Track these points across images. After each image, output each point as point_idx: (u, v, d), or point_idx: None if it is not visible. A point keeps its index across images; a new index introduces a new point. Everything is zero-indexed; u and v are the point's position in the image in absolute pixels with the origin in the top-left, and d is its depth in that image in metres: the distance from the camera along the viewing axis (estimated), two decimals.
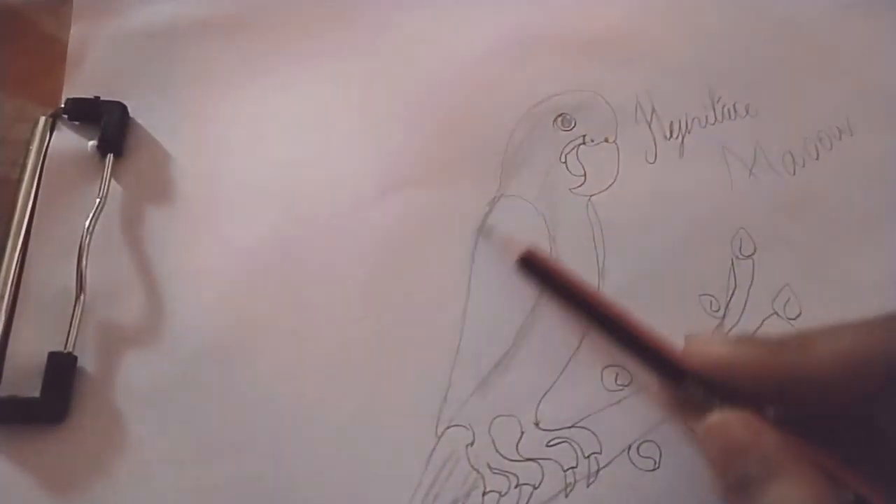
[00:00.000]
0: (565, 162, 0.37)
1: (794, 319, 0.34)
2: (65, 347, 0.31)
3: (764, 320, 0.34)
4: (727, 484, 0.24)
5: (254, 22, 0.39)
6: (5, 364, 0.31)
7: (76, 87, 0.37)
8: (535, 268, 0.32)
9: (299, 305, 0.33)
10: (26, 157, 0.35)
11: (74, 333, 0.31)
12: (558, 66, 0.39)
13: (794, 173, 0.37)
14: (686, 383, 0.27)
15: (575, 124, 0.38)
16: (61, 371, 0.31)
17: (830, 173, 0.38)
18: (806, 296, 0.35)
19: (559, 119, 0.38)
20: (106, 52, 0.38)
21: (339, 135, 0.37)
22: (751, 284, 0.35)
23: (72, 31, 0.38)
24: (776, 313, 0.34)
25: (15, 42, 0.38)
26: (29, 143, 0.35)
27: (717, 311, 0.34)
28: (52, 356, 0.31)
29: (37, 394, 0.30)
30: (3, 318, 0.32)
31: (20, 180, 0.34)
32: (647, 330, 0.29)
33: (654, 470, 0.31)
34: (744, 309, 0.34)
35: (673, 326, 0.33)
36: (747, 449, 0.24)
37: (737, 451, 0.24)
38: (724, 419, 0.25)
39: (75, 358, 0.31)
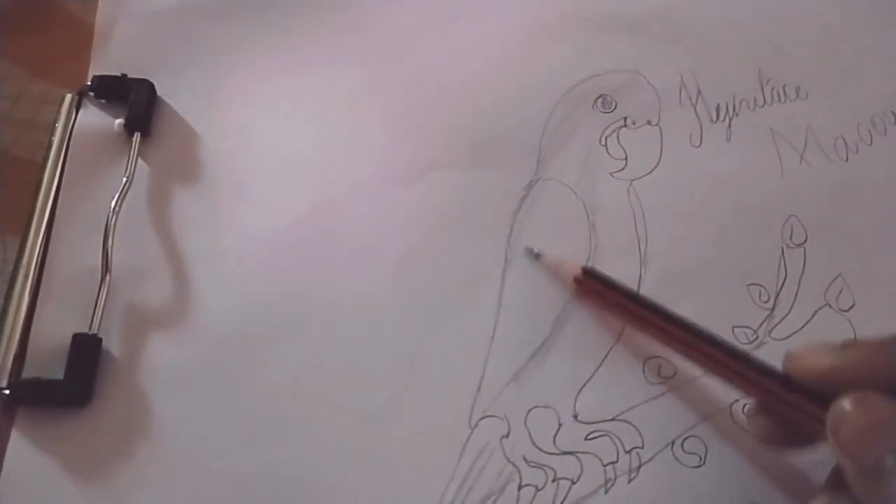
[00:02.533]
0: (605, 145, 0.35)
1: (847, 311, 0.32)
2: (89, 329, 0.30)
3: (816, 312, 0.32)
4: (863, 468, 0.23)
5: (282, 3, 0.38)
6: (29, 345, 0.30)
7: (103, 65, 0.36)
8: (596, 291, 0.31)
9: (328, 289, 0.32)
10: (52, 134, 0.34)
11: (99, 315, 0.31)
12: (599, 45, 0.37)
13: (847, 159, 0.36)
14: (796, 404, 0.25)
15: (616, 106, 0.36)
16: (86, 353, 0.30)
17: (885, 159, 0.36)
18: (859, 286, 0.33)
19: (599, 100, 0.36)
20: (133, 29, 0.37)
21: (372, 115, 0.36)
22: (802, 274, 0.33)
23: (99, 9, 0.37)
24: (828, 304, 0.33)
25: (40, 25, 0.37)
26: (55, 122, 0.34)
27: (766, 301, 0.32)
28: (77, 338, 0.30)
29: (61, 376, 0.30)
30: (27, 298, 0.31)
31: (45, 161, 0.33)
32: (738, 349, 0.28)
33: (699, 466, 0.30)
34: (794, 300, 0.32)
35: (720, 317, 0.32)
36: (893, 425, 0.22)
37: (880, 430, 0.22)
38: (865, 397, 0.23)
39: (100, 340, 0.30)
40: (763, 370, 0.27)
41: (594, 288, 0.31)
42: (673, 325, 0.29)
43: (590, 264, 0.32)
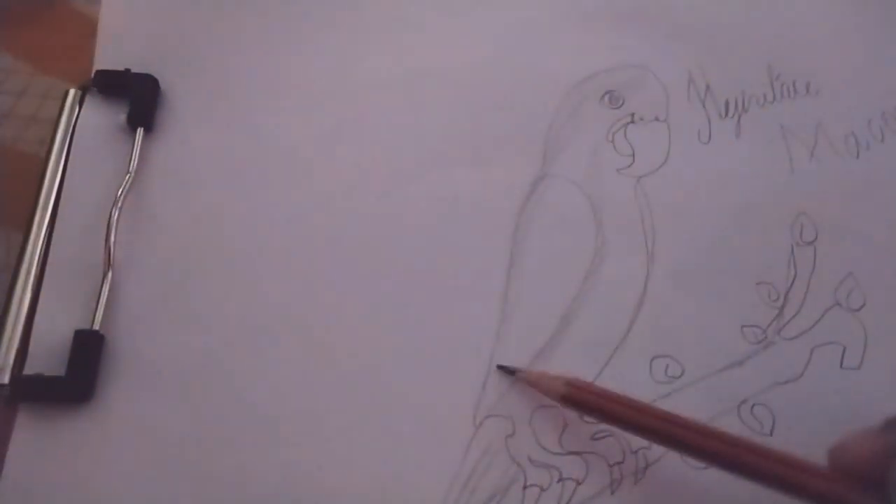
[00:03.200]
0: (613, 141, 0.35)
1: (857, 310, 0.32)
2: (91, 325, 0.30)
3: (826, 311, 0.32)
4: None
5: None
6: (31, 341, 0.30)
7: (107, 59, 0.36)
8: (585, 404, 0.28)
9: (332, 286, 0.32)
10: (55, 129, 0.34)
11: (101, 311, 0.30)
12: (606, 40, 0.37)
13: (858, 156, 0.35)
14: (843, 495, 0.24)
15: (623, 102, 0.36)
16: (87, 349, 0.30)
17: None
18: (870, 286, 0.32)
19: (606, 96, 0.36)
20: (136, 25, 0.37)
21: (376, 111, 0.35)
22: (812, 273, 0.32)
23: (103, 4, 0.37)
24: (839, 304, 0.32)
25: (44, 20, 0.37)
26: (58, 116, 0.34)
27: (775, 300, 0.32)
28: (79, 334, 0.30)
29: (63, 372, 0.29)
30: (29, 294, 0.31)
31: (48, 155, 0.33)
32: (762, 448, 0.25)
33: (706, 467, 0.29)
34: (804, 299, 0.32)
35: (728, 316, 0.31)
36: None
37: None
38: None
39: (102, 336, 0.30)
40: (797, 465, 0.25)
41: (585, 399, 0.28)
42: (684, 429, 0.26)
43: (577, 377, 0.29)
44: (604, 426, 0.29)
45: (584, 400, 0.28)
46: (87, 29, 0.36)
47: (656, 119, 0.35)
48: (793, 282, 0.32)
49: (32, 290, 0.31)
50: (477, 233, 0.33)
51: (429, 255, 0.32)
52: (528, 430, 0.30)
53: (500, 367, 0.30)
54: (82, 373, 0.29)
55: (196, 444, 0.29)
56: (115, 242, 0.31)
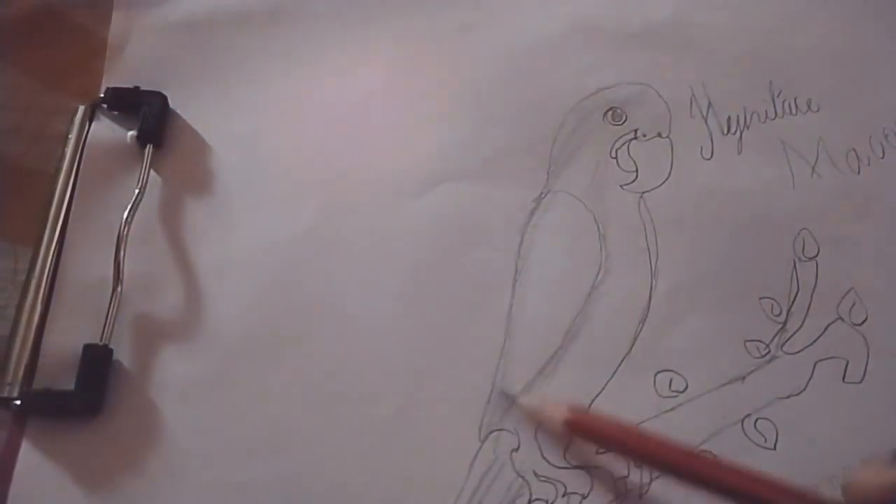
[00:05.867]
0: (616, 157, 0.35)
1: (859, 325, 0.32)
2: (100, 340, 0.30)
3: (828, 325, 0.32)
4: None
5: (294, 12, 0.38)
6: (40, 356, 0.30)
7: (116, 77, 0.36)
8: (589, 431, 0.29)
9: (338, 301, 0.32)
10: (65, 146, 0.34)
11: (111, 326, 0.31)
12: (609, 58, 0.37)
13: (859, 172, 0.35)
14: None
15: (626, 118, 0.36)
16: (96, 363, 0.30)
17: None
18: (872, 300, 0.33)
19: (609, 113, 0.36)
20: (146, 42, 0.37)
21: (382, 126, 0.36)
22: (814, 287, 0.33)
23: (112, 21, 0.37)
24: (841, 318, 0.32)
25: (52, 36, 0.38)
26: (67, 133, 0.35)
27: (778, 315, 0.32)
28: (88, 348, 0.30)
29: (71, 386, 0.30)
30: (38, 309, 0.31)
31: (57, 172, 0.34)
32: (772, 482, 0.25)
33: None
34: (807, 313, 0.32)
35: (731, 331, 0.32)
36: None
37: None
38: None
39: (111, 350, 0.30)
40: (808, 499, 0.25)
41: (589, 424, 0.29)
42: (682, 455, 0.27)
43: (579, 404, 0.30)
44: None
45: (588, 426, 0.29)
46: (94, 46, 0.37)
47: (659, 135, 0.36)
48: (795, 297, 0.32)
49: (42, 304, 0.31)
50: (482, 248, 0.33)
51: (434, 271, 0.33)
52: (533, 445, 0.30)
53: (502, 393, 0.30)
54: (91, 387, 0.30)
55: (203, 457, 0.29)
56: (124, 257, 0.31)
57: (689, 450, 0.28)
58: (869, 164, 0.36)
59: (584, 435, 0.29)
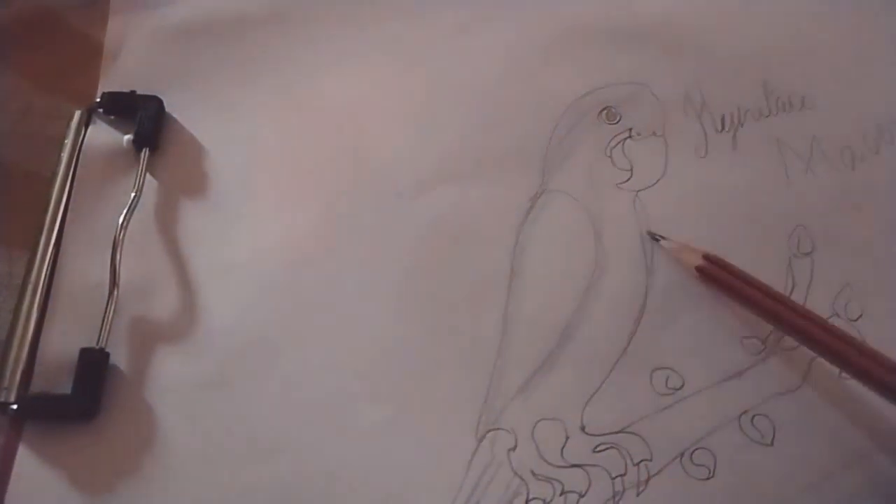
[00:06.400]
0: (611, 156, 0.35)
1: (855, 321, 0.32)
2: (97, 343, 0.30)
3: None
4: None
5: (290, 16, 0.38)
6: (37, 360, 0.30)
7: (112, 81, 0.36)
8: (717, 278, 0.31)
9: (336, 303, 0.32)
10: (61, 150, 0.34)
11: (107, 329, 0.31)
12: (604, 58, 0.37)
13: (854, 168, 0.36)
14: None
15: (621, 118, 0.36)
16: (93, 367, 0.30)
17: (892, 168, 0.36)
18: (868, 296, 0.33)
19: (604, 112, 0.36)
20: (142, 46, 0.37)
21: (378, 130, 0.36)
22: (810, 284, 0.33)
23: (108, 26, 0.38)
24: (837, 314, 0.32)
25: (47, 40, 0.38)
26: (63, 137, 0.35)
27: None
28: (84, 352, 0.30)
29: (68, 390, 0.30)
30: (35, 313, 0.31)
31: (54, 175, 0.34)
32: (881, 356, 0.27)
33: (708, 479, 0.29)
34: None
35: (728, 328, 0.32)
36: None
37: None
38: None
39: (107, 354, 0.30)
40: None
41: (717, 274, 0.31)
42: (799, 315, 0.29)
43: (712, 252, 0.32)
44: (608, 439, 0.30)
45: (716, 275, 0.31)
46: (89, 49, 0.37)
47: (653, 134, 0.36)
48: (791, 293, 0.32)
49: (38, 308, 0.31)
50: (478, 247, 0.33)
51: (431, 271, 0.33)
52: (530, 444, 0.30)
53: (650, 233, 0.33)
54: (88, 390, 0.30)
55: (200, 461, 0.29)
56: (120, 261, 0.32)
57: (812, 314, 0.29)
58: (864, 161, 0.36)
59: (711, 283, 0.31)
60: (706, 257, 0.32)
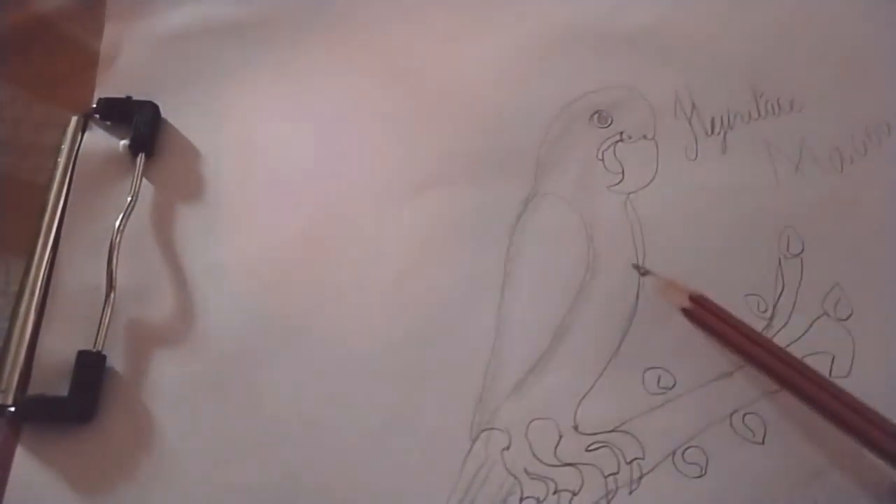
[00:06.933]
0: (602, 159, 0.36)
1: (845, 320, 0.32)
2: (94, 346, 0.31)
3: (813, 321, 0.32)
4: None
5: (284, 23, 0.39)
6: (34, 363, 0.31)
7: (108, 87, 0.37)
8: (707, 322, 0.31)
9: (331, 305, 0.32)
10: (57, 156, 0.35)
11: (104, 332, 0.31)
12: (594, 62, 0.38)
13: (842, 170, 0.36)
14: None
15: (612, 121, 0.37)
16: (90, 370, 0.30)
17: (879, 170, 0.36)
18: (857, 296, 0.33)
19: (595, 116, 0.37)
20: (138, 52, 0.38)
21: (372, 133, 0.36)
22: (799, 284, 0.33)
23: (104, 32, 0.38)
24: (826, 314, 0.33)
25: (44, 48, 0.38)
26: (60, 143, 0.35)
27: (764, 311, 0.32)
28: (81, 355, 0.30)
29: (65, 393, 0.30)
30: (32, 316, 0.31)
31: (50, 182, 0.34)
32: (861, 406, 0.28)
33: (700, 477, 0.30)
34: (793, 309, 0.32)
35: None
36: None
37: None
38: None
39: (104, 357, 0.31)
40: (877, 422, 0.27)
41: (702, 317, 0.31)
42: (783, 362, 0.29)
43: (698, 293, 0.32)
44: (600, 438, 0.30)
45: (701, 319, 0.31)
46: (85, 57, 0.37)
47: (644, 137, 0.36)
48: (781, 293, 0.33)
49: (36, 312, 0.32)
50: (471, 250, 0.34)
51: (424, 274, 0.33)
52: (523, 443, 0.30)
53: (635, 266, 0.33)
54: (85, 393, 0.30)
55: (197, 462, 0.29)
56: (116, 265, 0.32)
57: (794, 361, 0.29)
58: (852, 163, 0.36)
59: (697, 324, 0.31)
60: (692, 299, 0.31)
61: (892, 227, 0.35)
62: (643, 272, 0.33)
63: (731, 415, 0.31)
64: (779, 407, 0.31)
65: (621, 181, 0.35)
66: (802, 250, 0.34)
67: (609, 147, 0.36)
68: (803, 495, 0.29)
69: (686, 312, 0.31)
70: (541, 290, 0.33)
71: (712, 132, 0.36)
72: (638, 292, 0.33)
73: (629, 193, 0.35)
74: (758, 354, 0.30)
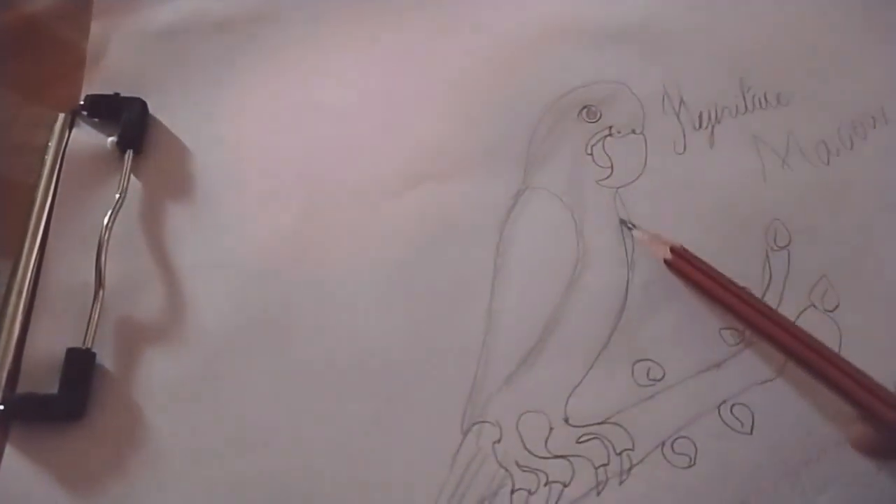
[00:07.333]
0: (591, 154, 0.36)
1: (832, 311, 0.33)
2: (83, 343, 0.30)
3: (801, 313, 0.33)
4: None
5: (272, 18, 0.39)
6: (23, 360, 0.31)
7: (95, 84, 0.37)
8: (686, 272, 0.32)
9: (320, 300, 0.32)
10: (45, 153, 0.34)
11: (93, 329, 0.31)
12: (583, 57, 0.38)
13: (829, 163, 0.36)
14: None
15: (600, 116, 0.37)
16: (79, 367, 0.30)
17: (865, 163, 0.36)
18: (844, 287, 0.33)
19: (584, 111, 0.37)
20: (126, 49, 0.38)
21: (361, 127, 0.36)
22: (787, 276, 0.33)
23: (92, 29, 0.38)
24: (813, 305, 0.33)
25: (32, 49, 0.38)
26: (48, 140, 0.35)
27: None
28: (71, 352, 0.30)
29: (55, 390, 0.30)
30: (21, 314, 0.31)
31: (38, 177, 0.34)
32: (846, 365, 0.28)
33: (689, 467, 0.30)
34: (780, 301, 0.33)
35: (707, 319, 0.32)
36: None
37: None
38: None
39: (94, 354, 0.31)
40: (870, 384, 0.28)
41: (682, 268, 0.32)
42: (764, 315, 0.30)
43: (679, 245, 0.33)
44: (590, 430, 0.30)
45: (681, 269, 0.32)
46: (73, 57, 0.37)
47: (633, 132, 0.37)
48: (768, 285, 0.33)
49: (24, 310, 0.31)
50: (462, 244, 0.34)
51: (415, 268, 0.33)
52: (514, 436, 0.30)
53: (623, 221, 0.34)
54: (74, 391, 0.30)
55: (188, 458, 0.29)
56: (105, 262, 0.32)
57: (771, 311, 0.30)
58: (839, 156, 0.36)
59: (679, 275, 0.32)
60: (673, 250, 0.32)
61: (878, 220, 0.35)
62: (630, 226, 0.33)
63: (720, 406, 0.31)
64: (767, 397, 0.31)
65: (610, 175, 0.35)
66: (790, 242, 0.34)
67: (598, 142, 0.36)
68: (792, 485, 0.29)
69: (668, 264, 0.32)
70: (531, 284, 0.33)
71: (700, 126, 0.37)
72: (627, 286, 0.33)
73: (618, 188, 0.35)
74: (735, 304, 0.30)
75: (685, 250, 0.32)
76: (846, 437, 0.29)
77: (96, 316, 0.31)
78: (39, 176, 0.34)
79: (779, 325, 0.30)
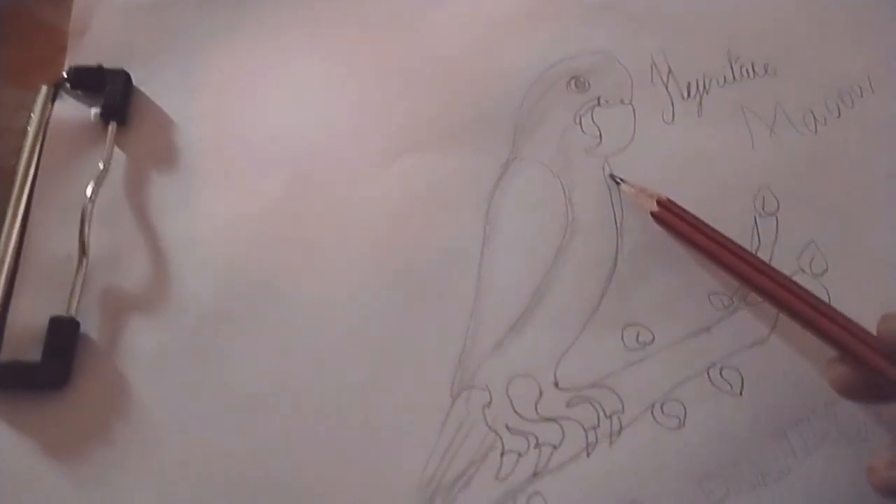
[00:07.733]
0: (580, 124, 0.36)
1: (820, 275, 0.33)
2: (66, 312, 0.30)
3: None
4: None
5: None
6: (6, 329, 0.30)
7: (79, 56, 0.36)
8: (672, 223, 0.32)
9: (308, 271, 0.32)
10: (27, 124, 0.34)
11: (77, 298, 0.30)
12: (572, 28, 0.38)
13: (816, 131, 0.36)
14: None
15: (589, 86, 0.37)
16: (63, 335, 0.30)
17: (852, 131, 0.36)
18: (832, 252, 0.33)
19: (573, 81, 0.37)
20: (109, 21, 0.37)
21: (348, 98, 0.36)
22: (775, 242, 0.33)
23: (74, 2, 0.37)
24: (802, 270, 0.33)
25: (15, 33, 0.37)
26: (31, 112, 0.34)
27: None
28: (54, 321, 0.30)
29: (38, 358, 0.29)
30: (3, 283, 0.31)
31: (21, 149, 0.33)
32: (821, 301, 0.29)
33: (678, 428, 0.30)
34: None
35: (695, 285, 0.33)
36: None
37: None
38: None
39: (77, 323, 0.30)
40: (850, 326, 0.28)
41: (669, 220, 0.32)
42: (747, 262, 0.30)
43: (665, 197, 0.33)
44: (580, 394, 0.30)
45: (668, 221, 0.32)
46: (55, 41, 0.37)
47: (621, 102, 0.36)
48: (757, 251, 0.33)
49: (7, 278, 0.31)
50: (451, 214, 0.34)
51: (404, 238, 0.33)
52: (504, 400, 0.30)
53: (611, 176, 0.34)
54: (58, 359, 0.29)
55: (173, 427, 0.29)
56: (89, 232, 0.31)
57: (756, 260, 0.31)
58: (825, 124, 0.37)
59: (665, 227, 0.32)
60: (659, 202, 0.32)
61: (865, 186, 0.35)
62: (618, 181, 0.34)
63: (709, 369, 0.31)
64: (756, 360, 0.31)
65: (599, 144, 0.35)
66: (778, 209, 0.34)
67: (587, 112, 0.36)
68: (780, 445, 0.29)
69: (654, 216, 0.32)
70: (520, 252, 0.33)
71: (688, 96, 0.37)
72: (616, 253, 0.33)
73: (607, 156, 0.35)
74: (719, 253, 0.31)
75: (671, 202, 0.32)
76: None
77: (80, 285, 0.31)
78: (22, 149, 0.34)
79: (763, 273, 0.30)
